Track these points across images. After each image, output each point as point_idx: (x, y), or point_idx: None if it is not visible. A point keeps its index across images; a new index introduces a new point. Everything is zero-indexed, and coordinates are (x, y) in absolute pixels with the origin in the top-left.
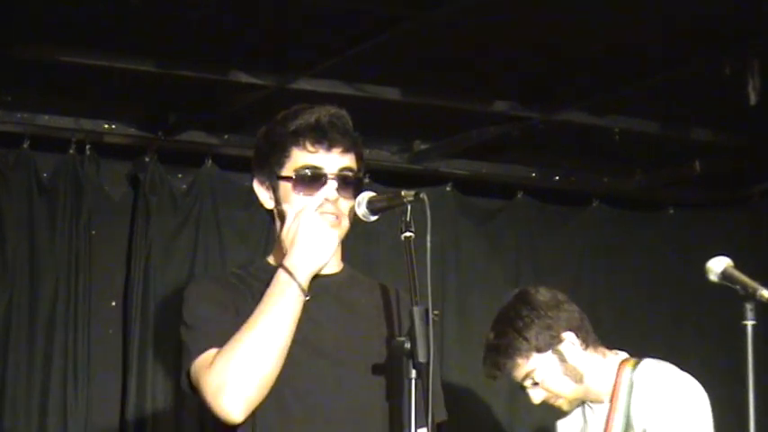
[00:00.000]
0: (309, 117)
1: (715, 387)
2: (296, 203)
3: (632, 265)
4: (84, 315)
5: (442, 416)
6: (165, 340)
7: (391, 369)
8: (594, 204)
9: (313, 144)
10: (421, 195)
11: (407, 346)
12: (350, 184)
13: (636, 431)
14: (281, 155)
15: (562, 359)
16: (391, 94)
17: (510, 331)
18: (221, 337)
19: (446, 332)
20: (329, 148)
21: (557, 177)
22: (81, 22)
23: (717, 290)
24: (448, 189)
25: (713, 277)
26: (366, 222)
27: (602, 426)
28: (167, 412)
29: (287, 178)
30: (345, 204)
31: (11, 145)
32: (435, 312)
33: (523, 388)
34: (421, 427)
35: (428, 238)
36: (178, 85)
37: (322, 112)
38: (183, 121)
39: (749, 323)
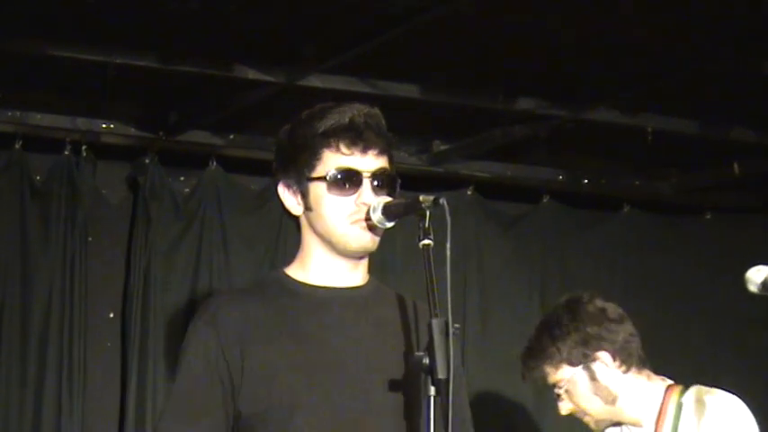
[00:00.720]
0: (342, 117)
1: (754, 401)
2: (330, 207)
3: (666, 275)
4: (79, 327)
5: None
6: (166, 355)
7: (410, 386)
8: (626, 209)
9: (348, 146)
10: (440, 200)
11: (426, 361)
12: (387, 185)
13: None
14: (311, 157)
15: (593, 377)
16: (409, 91)
17: (546, 337)
18: (185, 418)
19: (468, 344)
20: (365, 149)
21: (585, 180)
22: (76, 14)
23: (757, 301)
24: (469, 193)
25: (753, 288)
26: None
27: None
28: None
29: (320, 179)
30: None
31: (1, 145)
32: (456, 325)
33: (557, 395)
34: None
35: (448, 245)
36: (180, 82)
37: (355, 112)
38: (186, 119)
39: None
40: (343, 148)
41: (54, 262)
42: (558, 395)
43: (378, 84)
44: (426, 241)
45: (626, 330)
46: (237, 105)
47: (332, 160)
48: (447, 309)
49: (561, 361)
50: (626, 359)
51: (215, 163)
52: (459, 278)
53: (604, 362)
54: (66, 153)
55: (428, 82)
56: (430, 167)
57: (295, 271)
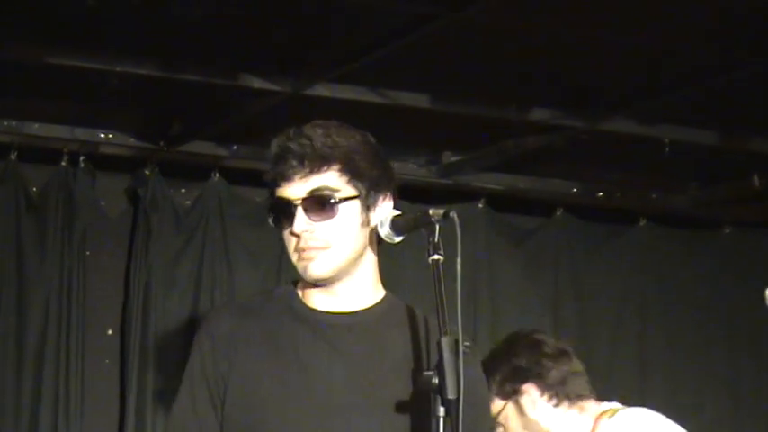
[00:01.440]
0: (273, 147)
1: None
2: (285, 241)
3: (684, 291)
4: (76, 345)
5: None
6: (167, 373)
7: (418, 407)
8: (642, 223)
9: (277, 178)
10: (450, 214)
11: (435, 381)
12: (318, 206)
13: None
14: (270, 196)
15: (521, 411)
16: (419, 101)
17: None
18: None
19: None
20: (289, 177)
21: (600, 193)
22: (74, 20)
23: None
24: (480, 206)
25: None
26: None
27: None
28: None
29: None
30: (328, 227)
31: None
32: (466, 344)
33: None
34: None
35: (458, 261)
36: (182, 91)
37: (284, 137)
38: (188, 130)
39: None
40: (277, 180)
41: (50, 277)
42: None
43: (387, 93)
44: (436, 256)
45: (563, 367)
46: (242, 115)
47: (275, 193)
48: (457, 326)
49: (494, 394)
50: (559, 393)
51: (218, 174)
52: (470, 294)
53: (531, 396)
54: (64, 164)
55: (439, 91)
56: (440, 179)
57: (302, 290)
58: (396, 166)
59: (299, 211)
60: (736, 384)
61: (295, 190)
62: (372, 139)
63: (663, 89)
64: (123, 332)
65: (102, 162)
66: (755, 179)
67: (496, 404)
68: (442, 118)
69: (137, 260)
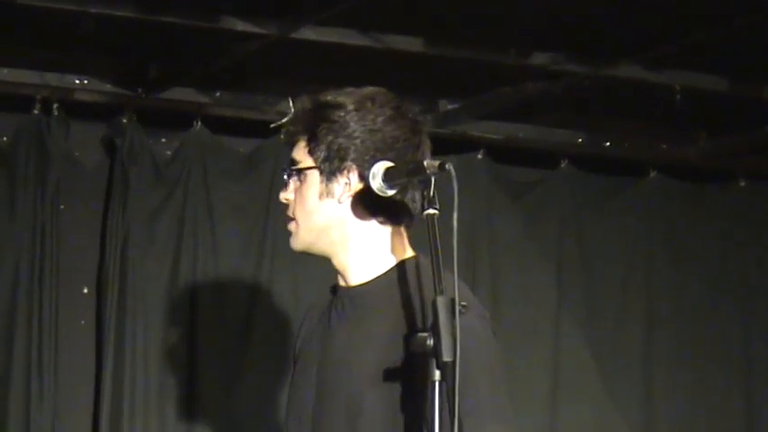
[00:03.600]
0: None
1: None
2: None
3: (695, 246)
4: (50, 304)
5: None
6: (146, 334)
7: (409, 372)
8: (652, 175)
9: None
10: (447, 165)
11: (430, 342)
12: (288, 176)
13: None
14: None
15: None
16: (413, 45)
17: None
18: None
19: None
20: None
21: (607, 143)
22: None
23: None
24: (479, 157)
25: None
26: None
27: None
28: (148, 417)
29: None
30: (293, 200)
31: None
32: (463, 303)
33: None
34: None
35: (455, 215)
36: (162, 34)
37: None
38: (168, 75)
39: None
40: None
41: (22, 233)
42: None
43: (379, 37)
44: (431, 210)
45: None
46: (225, 60)
47: None
48: (454, 285)
49: None
50: None
51: (200, 123)
52: (469, 249)
53: None
54: (36, 112)
55: (434, 35)
56: (436, 129)
57: None
58: None
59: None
60: (747, 342)
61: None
62: (371, 102)
63: (672, 33)
64: (99, 291)
65: (76, 110)
66: None
67: None
68: (438, 63)
69: (114, 215)
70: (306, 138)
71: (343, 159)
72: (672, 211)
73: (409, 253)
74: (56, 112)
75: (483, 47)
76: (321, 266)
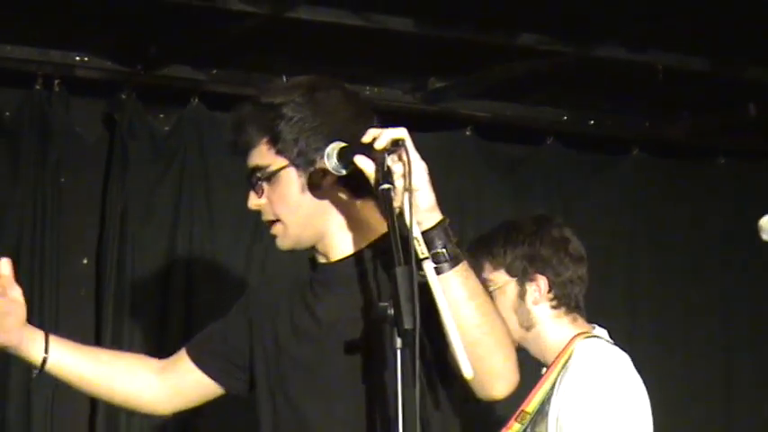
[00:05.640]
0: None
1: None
2: None
3: (677, 222)
4: (51, 274)
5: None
6: (144, 304)
7: (369, 343)
8: (634, 152)
9: None
10: (400, 141)
11: (390, 312)
12: (257, 182)
13: (552, 405)
14: None
15: (521, 296)
16: (404, 24)
17: (500, 237)
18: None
19: None
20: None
21: (591, 121)
22: None
23: None
24: (467, 133)
25: (765, 236)
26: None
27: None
28: None
29: None
30: (272, 203)
31: None
32: (421, 273)
33: None
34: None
35: (411, 184)
36: (160, 12)
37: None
38: (166, 53)
39: None
40: None
41: (24, 204)
42: None
43: (370, 16)
44: (386, 186)
45: (577, 271)
46: (221, 38)
47: None
48: (411, 255)
49: (501, 265)
50: (561, 296)
51: (197, 100)
52: (456, 224)
53: (540, 288)
54: (38, 87)
55: (424, 14)
56: (425, 106)
57: None
58: (379, 92)
59: (251, 189)
60: (727, 318)
61: (246, 164)
62: (317, 88)
63: (656, 14)
64: (99, 261)
65: (77, 86)
66: (751, 107)
67: (498, 274)
68: (427, 42)
69: (113, 188)
70: (266, 140)
71: (317, 149)
72: (653, 186)
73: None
74: (57, 88)
75: (472, 27)
76: None
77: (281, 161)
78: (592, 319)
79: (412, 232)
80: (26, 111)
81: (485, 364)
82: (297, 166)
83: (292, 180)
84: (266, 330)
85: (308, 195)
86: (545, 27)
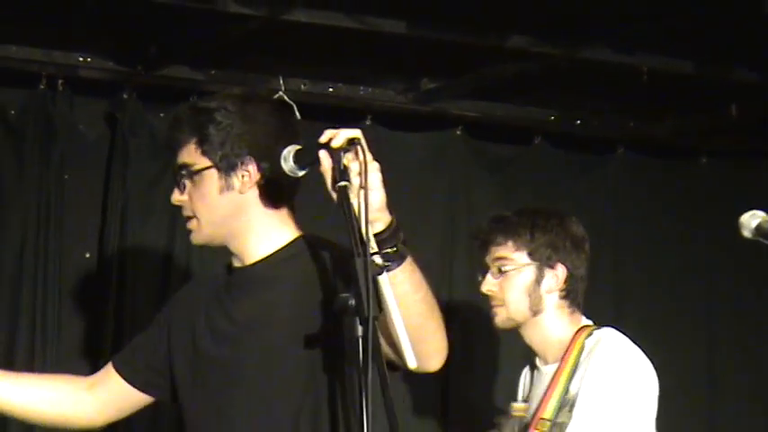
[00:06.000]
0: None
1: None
2: None
3: (660, 220)
4: (54, 267)
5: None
6: (144, 294)
7: (329, 332)
8: (620, 151)
9: None
10: (356, 141)
11: (352, 302)
12: (180, 179)
13: (571, 394)
14: None
15: (538, 281)
16: (396, 27)
17: (527, 219)
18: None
19: (454, 286)
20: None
21: (578, 121)
22: None
23: (752, 247)
24: (458, 133)
25: (747, 233)
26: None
27: (546, 385)
28: None
29: None
30: (191, 200)
31: None
32: (378, 263)
33: (489, 270)
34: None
35: (366, 182)
36: (160, 15)
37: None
38: (166, 54)
39: None
40: None
41: (28, 199)
42: (492, 271)
43: (364, 19)
44: (342, 183)
45: (585, 271)
46: (219, 40)
47: None
48: (367, 247)
49: (525, 247)
50: (571, 289)
51: (195, 99)
52: (447, 220)
53: (558, 277)
54: (42, 87)
55: (416, 17)
56: (417, 106)
57: None
58: (372, 92)
59: (176, 186)
60: (711, 313)
61: (175, 161)
62: (249, 100)
63: (642, 18)
64: (101, 255)
65: (80, 85)
66: (733, 109)
67: (521, 256)
68: (420, 44)
69: (114, 185)
70: (195, 141)
71: (238, 155)
72: (638, 185)
73: (299, 232)
74: (61, 88)
75: (463, 29)
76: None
77: (206, 162)
78: (594, 316)
79: (368, 227)
80: (31, 109)
81: (426, 345)
82: (219, 169)
83: (213, 181)
84: (185, 335)
85: (226, 198)
86: (534, 30)
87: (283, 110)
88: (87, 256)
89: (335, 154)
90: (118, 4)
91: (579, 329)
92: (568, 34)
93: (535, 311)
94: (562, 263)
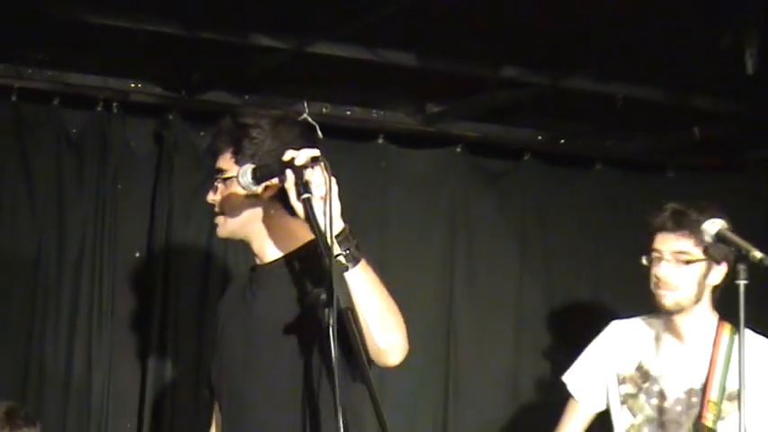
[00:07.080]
0: None
1: None
2: None
3: (633, 225)
4: (109, 264)
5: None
6: (186, 291)
7: (305, 324)
8: (598, 167)
9: None
10: (318, 158)
11: (323, 296)
12: (215, 182)
13: (730, 388)
14: None
15: (706, 274)
16: (406, 58)
17: (713, 220)
18: None
19: (455, 284)
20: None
21: (562, 140)
22: None
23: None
24: (459, 150)
25: (708, 238)
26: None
27: (705, 368)
28: (189, 363)
29: None
30: (224, 200)
31: (42, 101)
32: (339, 253)
33: (666, 259)
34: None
35: (329, 194)
36: (201, 47)
37: None
38: (206, 81)
39: (741, 283)
40: None
41: (87, 206)
42: (668, 260)
43: (378, 51)
44: (305, 195)
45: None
46: (253, 69)
47: None
48: (332, 249)
49: (702, 243)
50: (720, 287)
51: (239, 113)
52: (449, 225)
53: (720, 274)
54: (99, 109)
55: (423, 51)
56: (423, 127)
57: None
58: (386, 115)
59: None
60: None
61: (215, 165)
62: (282, 121)
63: (616, 52)
64: (149, 253)
65: (131, 108)
66: (696, 131)
67: (697, 250)
68: (426, 73)
69: (161, 194)
70: (231, 150)
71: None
72: (614, 195)
73: (309, 237)
74: (115, 110)
75: (463, 61)
76: None
77: (237, 170)
78: (566, 301)
79: (332, 232)
80: (89, 129)
81: (387, 337)
82: None
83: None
84: (219, 333)
85: (250, 201)
86: (524, 62)
87: (308, 130)
88: (137, 254)
89: (299, 171)
90: (165, 38)
91: (720, 321)
92: (554, 66)
93: (697, 300)
94: (726, 263)
